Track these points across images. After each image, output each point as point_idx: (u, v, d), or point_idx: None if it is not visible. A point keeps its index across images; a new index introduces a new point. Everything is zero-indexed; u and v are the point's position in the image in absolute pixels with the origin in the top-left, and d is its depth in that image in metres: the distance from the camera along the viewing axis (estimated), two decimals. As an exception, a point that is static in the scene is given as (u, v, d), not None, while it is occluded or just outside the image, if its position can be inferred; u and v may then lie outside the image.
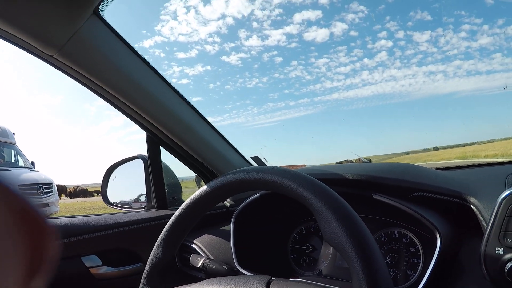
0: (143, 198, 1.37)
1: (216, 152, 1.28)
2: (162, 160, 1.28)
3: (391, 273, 0.94)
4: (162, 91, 1.10)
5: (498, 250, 0.69)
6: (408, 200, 0.90)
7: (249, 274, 0.99)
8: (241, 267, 1.02)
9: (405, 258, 0.94)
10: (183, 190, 1.42)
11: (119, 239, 1.14)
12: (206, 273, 1.03)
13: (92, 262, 1.08)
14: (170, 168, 1.35)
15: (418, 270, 0.89)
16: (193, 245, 1.14)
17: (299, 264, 1.12)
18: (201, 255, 1.10)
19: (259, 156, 1.38)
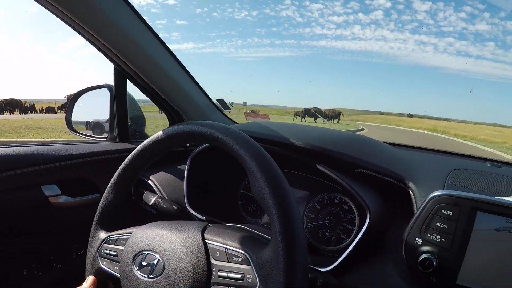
0: (106, 128, 1.39)
1: (183, 94, 1.30)
2: (128, 92, 1.29)
3: (327, 234, 1.03)
4: (134, 27, 1.09)
5: (417, 240, 0.76)
6: (350, 175, 0.95)
7: (198, 216, 1.05)
8: (192, 208, 1.06)
9: (342, 223, 1.02)
10: (145, 115, 1.44)
11: (79, 170, 1.17)
12: (157, 211, 1.08)
13: (51, 191, 1.11)
14: (135, 101, 1.37)
15: (351, 237, 0.98)
16: (149, 181, 1.18)
17: (247, 211, 1.19)
18: (155, 193, 1.14)
19: (224, 99, 1.41)
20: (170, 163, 1.28)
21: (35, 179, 1.09)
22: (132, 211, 1.15)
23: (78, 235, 1.07)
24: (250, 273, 0.58)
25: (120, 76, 1.23)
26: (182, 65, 1.27)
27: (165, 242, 0.65)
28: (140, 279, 0.63)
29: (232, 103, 1.42)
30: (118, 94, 1.26)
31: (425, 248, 0.75)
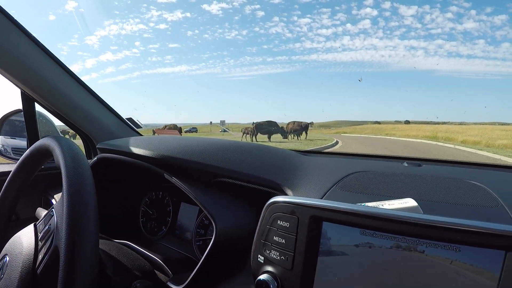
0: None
1: (87, 115, 1.35)
2: (43, 113, 1.38)
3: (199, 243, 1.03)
4: (32, 54, 1.14)
5: (260, 258, 0.66)
6: (209, 185, 0.90)
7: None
8: None
9: (197, 230, 1.04)
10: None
11: None
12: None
13: None
14: (50, 121, 1.45)
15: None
16: (52, 200, 1.24)
17: (146, 227, 1.22)
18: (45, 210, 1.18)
19: (132, 118, 1.47)
20: None
21: None
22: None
23: None
24: (53, 220, 0.64)
25: (27, 99, 1.31)
26: (88, 87, 1.33)
27: (12, 242, 0.69)
28: None
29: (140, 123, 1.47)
30: (27, 116, 1.34)
31: (266, 268, 0.64)
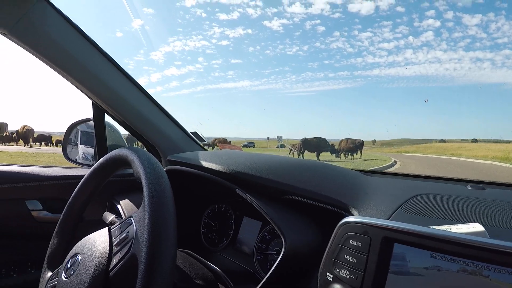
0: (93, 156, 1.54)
1: (154, 127, 1.40)
2: (111, 123, 1.45)
3: (269, 265, 1.02)
4: (104, 69, 1.23)
5: (328, 276, 0.66)
6: (279, 202, 0.92)
7: None
8: None
9: (259, 245, 1.06)
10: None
11: (60, 190, 1.34)
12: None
13: (34, 206, 1.30)
14: (118, 131, 1.51)
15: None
16: (118, 205, 1.28)
17: (207, 238, 1.23)
18: (118, 214, 1.23)
19: (197, 132, 1.50)
20: (139, 190, 1.37)
21: (20, 194, 1.28)
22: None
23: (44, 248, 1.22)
24: (131, 229, 0.66)
25: (97, 110, 1.38)
26: (155, 101, 1.39)
27: (85, 243, 0.72)
28: (63, 279, 0.69)
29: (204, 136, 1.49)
30: (96, 125, 1.41)
31: (334, 285, 0.64)
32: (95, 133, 1.41)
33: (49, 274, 0.82)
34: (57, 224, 0.86)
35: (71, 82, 1.23)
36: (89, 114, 1.41)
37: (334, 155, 20.87)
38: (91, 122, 1.54)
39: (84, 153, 1.59)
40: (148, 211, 0.60)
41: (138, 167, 0.68)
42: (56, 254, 0.85)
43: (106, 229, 0.73)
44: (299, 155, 19.36)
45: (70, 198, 0.86)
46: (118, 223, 0.73)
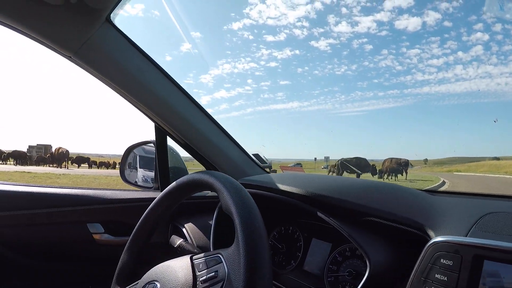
0: (153, 179, 1.52)
1: (217, 150, 1.38)
2: (172, 146, 1.43)
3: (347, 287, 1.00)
4: (168, 91, 1.23)
5: None
6: (358, 223, 0.92)
7: None
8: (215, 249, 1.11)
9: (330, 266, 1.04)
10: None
11: (121, 213, 1.32)
12: (180, 254, 1.13)
13: (95, 228, 1.29)
14: (178, 154, 1.49)
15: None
16: (183, 229, 1.27)
17: (273, 261, 1.19)
18: (182, 237, 1.21)
19: (259, 154, 1.47)
20: (207, 212, 1.33)
21: (82, 217, 1.27)
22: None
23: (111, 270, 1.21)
24: (221, 268, 0.64)
25: (160, 132, 1.36)
26: (217, 122, 1.36)
27: (164, 270, 0.72)
28: None
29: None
30: (159, 148, 1.39)
31: None
32: (157, 156, 1.39)
33: None
34: (128, 241, 0.86)
35: (134, 105, 1.23)
36: (136, 138, 1.40)
37: (376, 176, 20.16)
38: (148, 146, 1.54)
39: (144, 176, 1.58)
40: (243, 254, 0.59)
41: (227, 200, 0.67)
42: (127, 271, 0.86)
43: (187, 259, 0.71)
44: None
45: (144, 215, 0.86)
46: (202, 257, 0.71)
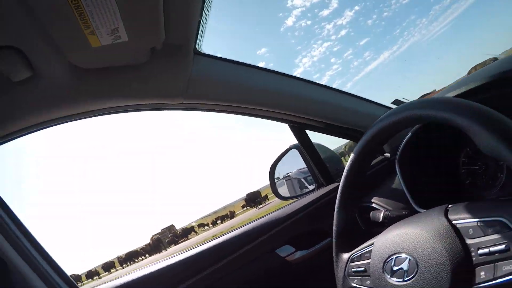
0: (309, 182, 1.47)
1: (351, 112, 1.32)
2: (312, 140, 1.37)
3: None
4: (283, 84, 1.19)
5: None
6: None
7: None
8: (420, 207, 1.00)
9: None
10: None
11: (303, 224, 1.27)
12: (389, 224, 1.05)
13: (286, 251, 1.22)
14: (323, 145, 1.43)
15: None
16: (372, 204, 1.19)
17: (477, 186, 1.05)
18: (380, 209, 1.12)
19: (398, 99, 1.35)
20: (382, 183, 1.26)
21: (268, 245, 1.22)
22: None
23: (321, 280, 1.15)
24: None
25: (298, 130, 1.33)
26: (339, 90, 1.31)
27: (410, 239, 0.62)
28: (397, 285, 0.62)
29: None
30: (304, 146, 1.35)
31: None
32: (306, 154, 1.35)
33: (346, 256, 0.79)
34: (337, 200, 0.82)
35: (262, 116, 1.22)
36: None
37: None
38: (287, 156, 1.50)
39: (299, 183, 1.54)
40: None
41: (488, 137, 0.52)
42: (344, 233, 0.81)
43: (441, 222, 0.59)
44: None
45: (348, 165, 0.80)
46: (470, 218, 0.57)
